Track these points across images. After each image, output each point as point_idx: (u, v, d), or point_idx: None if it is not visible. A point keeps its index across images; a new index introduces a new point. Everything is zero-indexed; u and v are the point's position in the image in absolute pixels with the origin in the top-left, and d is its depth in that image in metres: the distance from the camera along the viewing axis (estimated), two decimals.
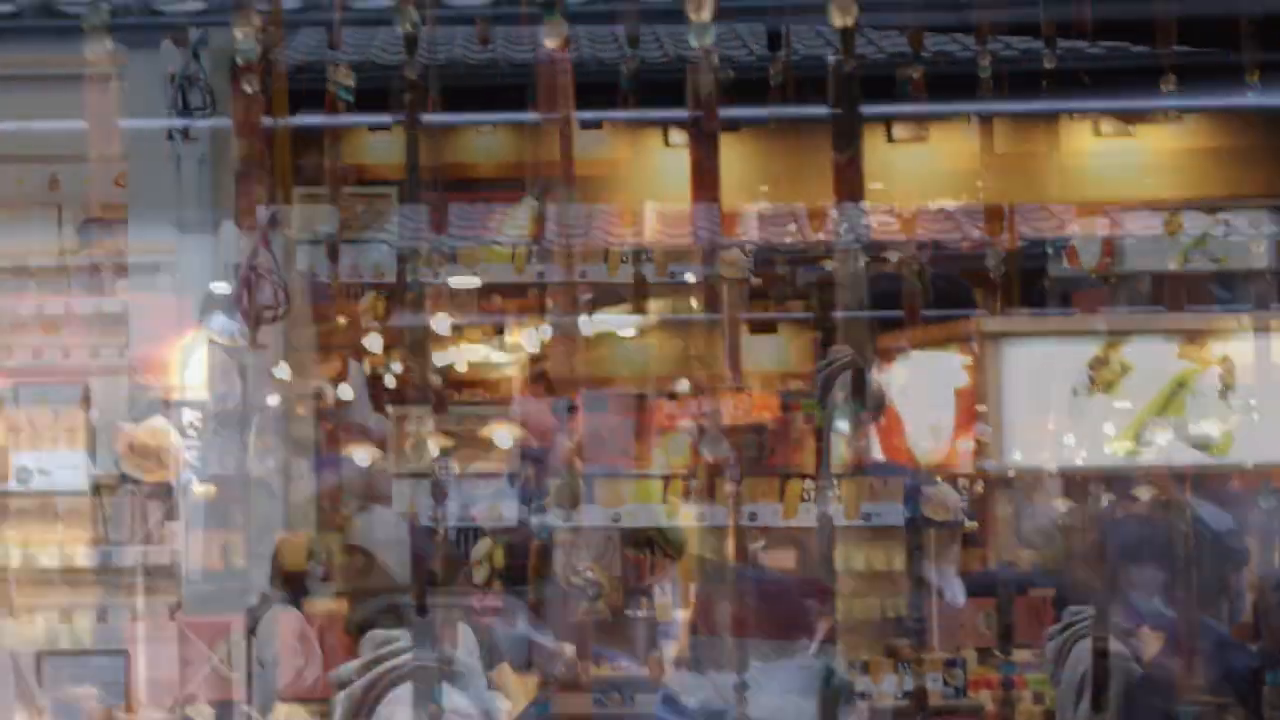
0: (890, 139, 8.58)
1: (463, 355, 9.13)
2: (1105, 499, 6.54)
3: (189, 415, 6.95)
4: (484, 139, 8.83)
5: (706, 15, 4.05)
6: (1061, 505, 6.74)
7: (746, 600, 5.99)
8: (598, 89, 7.32)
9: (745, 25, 8.59)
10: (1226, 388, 6.17)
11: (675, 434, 7.58)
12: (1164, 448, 6.19)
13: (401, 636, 5.38)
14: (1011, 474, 6.70)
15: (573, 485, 5.81)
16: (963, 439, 6.72)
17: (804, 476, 6.53)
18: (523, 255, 7.97)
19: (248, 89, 4.60)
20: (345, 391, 8.20)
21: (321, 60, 7.62)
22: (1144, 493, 6.65)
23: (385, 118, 7.20)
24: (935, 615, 6.53)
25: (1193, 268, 8.07)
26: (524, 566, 7.04)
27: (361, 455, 7.43)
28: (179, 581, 6.53)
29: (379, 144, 8.34)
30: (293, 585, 6.75)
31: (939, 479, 6.72)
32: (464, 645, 6.13)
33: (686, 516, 6.68)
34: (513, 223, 8.35)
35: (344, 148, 7.68)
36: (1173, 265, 8.09)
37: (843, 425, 5.71)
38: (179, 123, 7.23)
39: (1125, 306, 7.99)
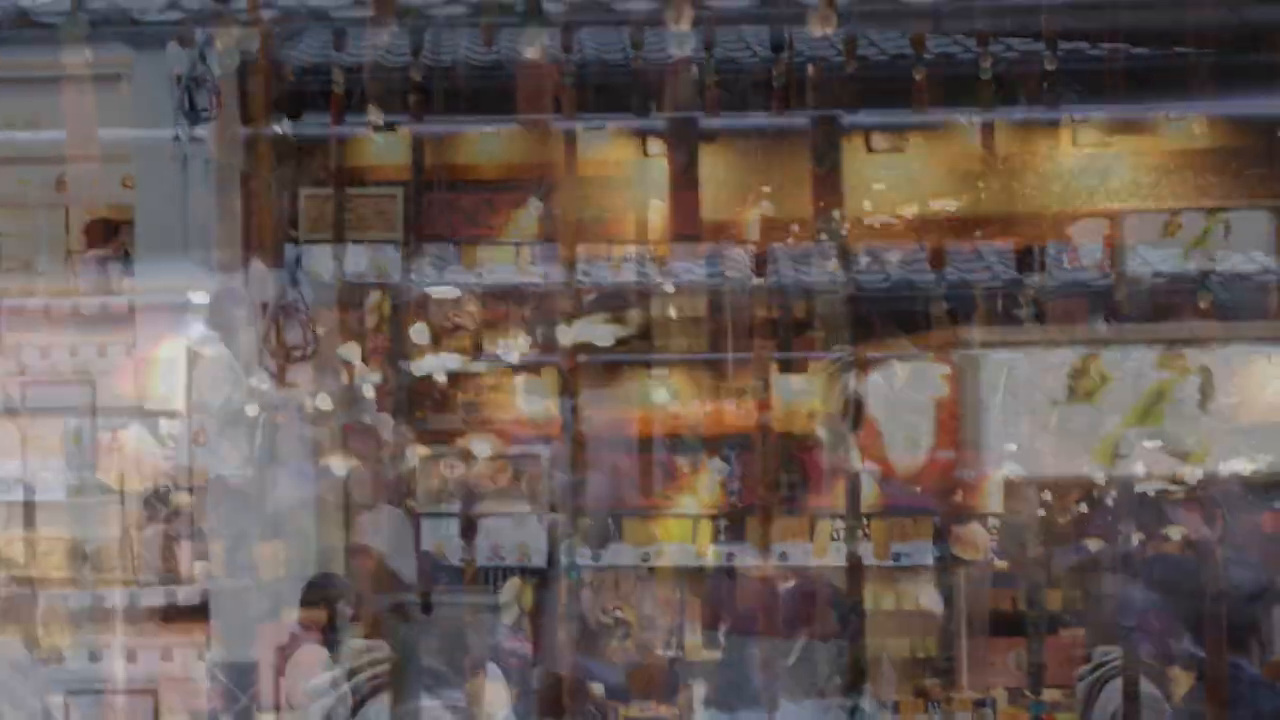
0: (870, 149, 8.57)
1: (457, 361, 9.13)
2: (1135, 537, 6.53)
3: (168, 425, 6.94)
4: (487, 140, 8.85)
5: (686, 25, 4.10)
6: (1089, 543, 6.73)
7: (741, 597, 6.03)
8: (602, 90, 7.37)
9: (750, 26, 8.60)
10: (1205, 397, 6.18)
11: (705, 473, 7.52)
12: (1142, 457, 6.20)
13: (379, 646, 5.36)
14: (1042, 512, 6.65)
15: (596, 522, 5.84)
16: (942, 450, 6.73)
17: (834, 516, 6.56)
18: (526, 256, 8.00)
19: (281, 132, 4.66)
20: (351, 392, 8.22)
21: (327, 62, 7.65)
22: (1174, 531, 6.64)
23: (362, 122, 7.29)
24: (965, 654, 6.54)
25: (1192, 269, 8.09)
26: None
27: (367, 455, 7.45)
28: (207, 620, 6.50)
29: (383, 145, 8.37)
30: (321, 623, 6.68)
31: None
32: (491, 683, 6.10)
33: (716, 554, 6.72)
34: (517, 224, 8.37)
35: (348, 148, 7.71)
36: (1172, 267, 8.11)
37: (822, 433, 5.74)
38: (179, 130, 7.27)
39: (1122, 310, 8.01)
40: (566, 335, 6.71)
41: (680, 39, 4.21)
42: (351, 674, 5.70)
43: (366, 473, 7.34)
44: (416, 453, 7.39)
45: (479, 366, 8.27)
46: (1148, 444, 6.16)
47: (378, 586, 6.77)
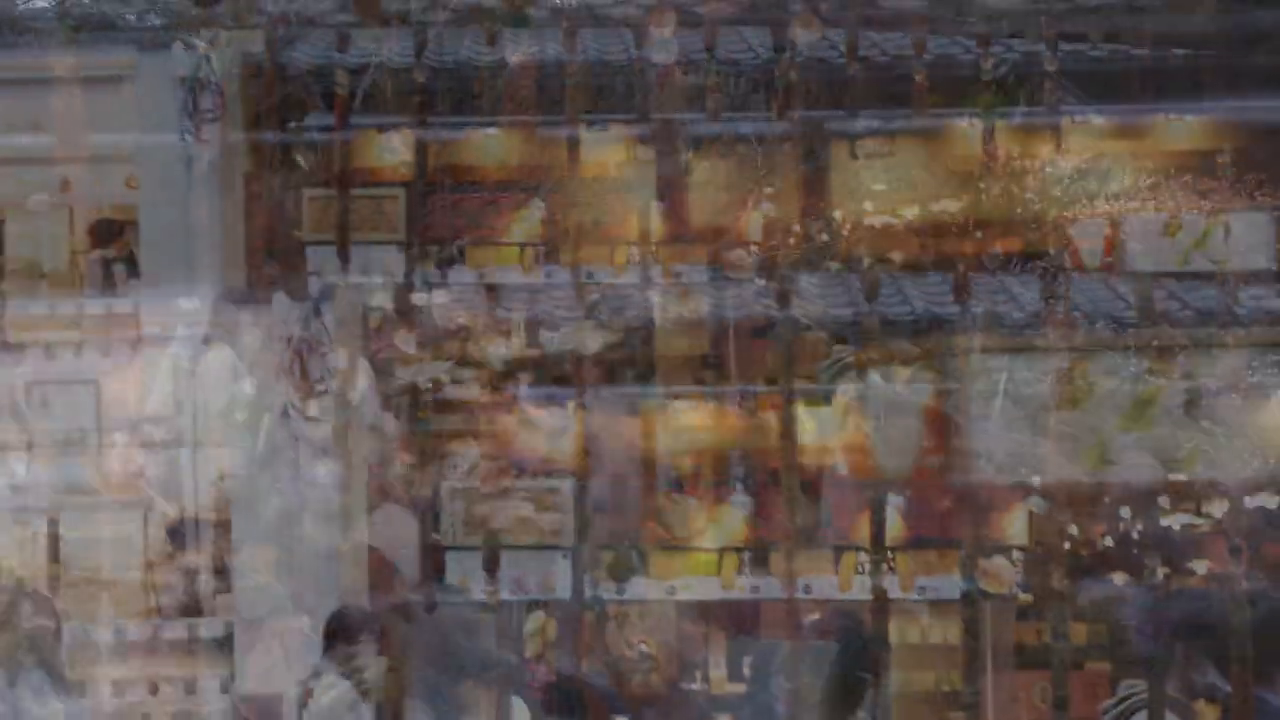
0: (854, 155, 8.53)
1: (452, 367, 9.11)
2: (1161, 571, 6.54)
3: (157, 431, 6.94)
4: (491, 141, 8.87)
5: (668, 31, 4.12)
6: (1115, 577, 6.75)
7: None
8: (603, 93, 7.39)
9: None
10: (1193, 403, 6.19)
11: (728, 506, 7.48)
12: (1130, 464, 6.20)
13: (368, 651, 5.34)
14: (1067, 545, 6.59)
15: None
16: (931, 457, 6.73)
17: (859, 548, 6.57)
18: (530, 256, 8.02)
19: (303, 165, 4.66)
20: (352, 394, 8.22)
21: (330, 64, 7.67)
22: (1199, 565, 6.65)
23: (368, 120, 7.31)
24: (990, 689, 6.55)
25: (1193, 269, 8.10)
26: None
27: (372, 454, 7.46)
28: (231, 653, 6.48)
29: (386, 144, 8.37)
30: (344, 655, 6.62)
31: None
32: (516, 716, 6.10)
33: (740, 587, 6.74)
34: (521, 225, 8.39)
35: (351, 149, 7.72)
36: (1172, 267, 8.12)
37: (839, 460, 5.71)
38: (183, 132, 7.29)
39: (1123, 317, 8.01)
40: (553, 342, 6.72)
41: (664, 45, 4.24)
42: (349, 675, 5.70)
43: (370, 474, 7.36)
44: (416, 455, 7.40)
45: (466, 374, 8.29)
46: (1134, 451, 6.18)
47: (382, 586, 6.78)
